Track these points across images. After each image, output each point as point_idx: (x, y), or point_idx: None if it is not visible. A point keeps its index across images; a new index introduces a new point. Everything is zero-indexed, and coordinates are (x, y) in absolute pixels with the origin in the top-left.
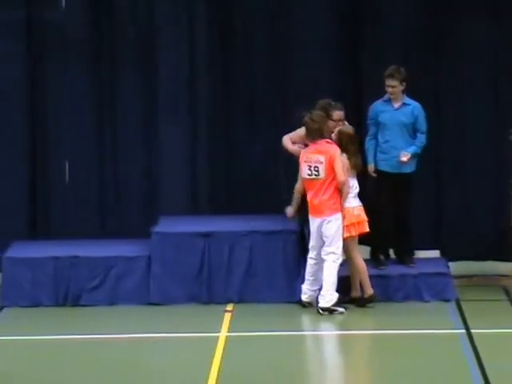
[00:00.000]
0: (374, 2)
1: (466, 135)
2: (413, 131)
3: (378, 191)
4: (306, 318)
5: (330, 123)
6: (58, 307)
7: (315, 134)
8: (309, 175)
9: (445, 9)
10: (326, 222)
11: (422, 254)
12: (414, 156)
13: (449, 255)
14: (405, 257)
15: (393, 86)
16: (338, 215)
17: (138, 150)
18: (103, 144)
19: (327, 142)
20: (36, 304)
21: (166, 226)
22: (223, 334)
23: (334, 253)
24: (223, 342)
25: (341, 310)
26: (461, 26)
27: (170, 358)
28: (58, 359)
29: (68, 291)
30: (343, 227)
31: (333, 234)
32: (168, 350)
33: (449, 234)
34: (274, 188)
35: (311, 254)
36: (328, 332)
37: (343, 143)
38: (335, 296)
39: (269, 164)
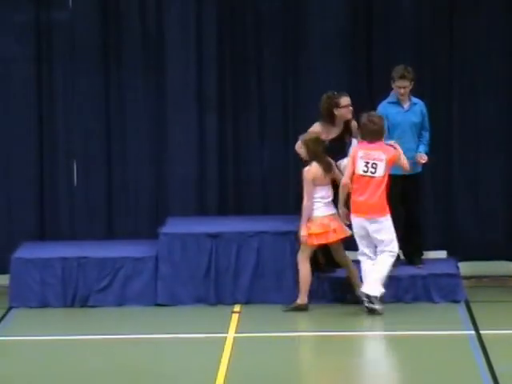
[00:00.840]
0: (386, 2)
1: (477, 135)
2: (420, 130)
3: (390, 195)
4: (313, 319)
5: (341, 110)
6: (66, 308)
7: (374, 136)
8: (365, 172)
9: (457, 7)
10: (377, 222)
11: (431, 254)
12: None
13: (458, 256)
14: (414, 258)
15: (405, 87)
16: (388, 216)
17: (147, 151)
18: (111, 145)
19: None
20: (44, 304)
21: (174, 226)
22: (231, 335)
23: (391, 251)
24: (231, 343)
25: (380, 308)
26: (474, 24)
27: (177, 359)
28: (66, 360)
29: (76, 292)
30: (308, 235)
31: (388, 236)
32: (175, 350)
33: (459, 234)
34: (282, 188)
35: (368, 254)
36: (336, 333)
37: (311, 149)
38: (382, 290)
39: (278, 164)
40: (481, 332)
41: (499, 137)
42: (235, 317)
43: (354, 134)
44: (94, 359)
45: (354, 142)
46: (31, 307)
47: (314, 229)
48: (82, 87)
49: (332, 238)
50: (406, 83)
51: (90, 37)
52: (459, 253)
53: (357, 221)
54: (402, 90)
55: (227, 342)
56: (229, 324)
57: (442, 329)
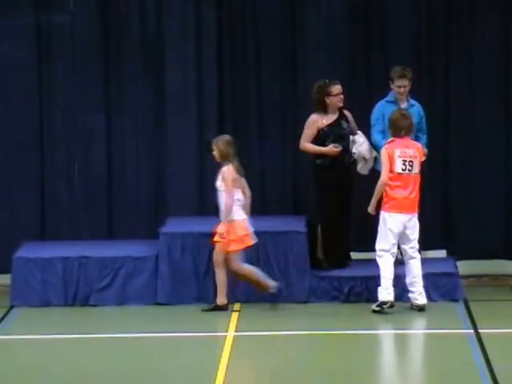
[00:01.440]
0: (384, 2)
1: (475, 134)
2: (417, 131)
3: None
4: (312, 318)
5: (333, 99)
6: (67, 307)
7: (408, 130)
8: (403, 170)
9: (454, 8)
10: (414, 218)
11: (430, 253)
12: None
13: (457, 255)
14: None
15: (404, 86)
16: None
17: (147, 151)
18: (111, 145)
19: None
20: (45, 304)
21: (174, 226)
22: (230, 333)
23: (418, 249)
24: (230, 341)
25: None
26: (471, 25)
27: (177, 358)
28: (67, 359)
29: (77, 291)
30: (233, 240)
31: (418, 233)
32: (175, 349)
33: (457, 233)
34: (281, 189)
35: (393, 251)
36: (335, 331)
37: (223, 151)
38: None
39: (277, 165)
40: (479, 330)
41: (496, 137)
42: (235, 316)
43: (351, 123)
44: (94, 358)
45: (360, 139)
46: (32, 306)
47: (240, 231)
48: (82, 89)
49: (248, 243)
50: (406, 82)
51: (91, 39)
52: (458, 252)
53: (397, 217)
54: (402, 90)
55: (227, 341)
56: (228, 323)
57: (440, 327)
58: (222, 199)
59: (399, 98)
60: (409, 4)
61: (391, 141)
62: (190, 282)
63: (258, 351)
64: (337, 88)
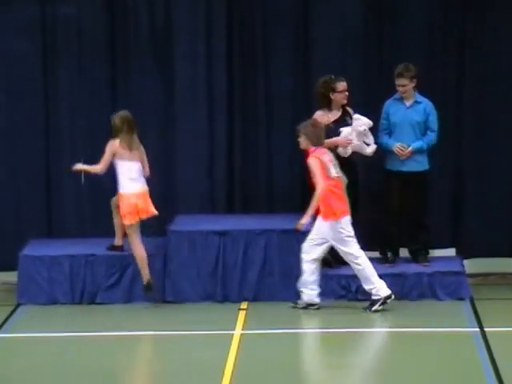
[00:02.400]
0: (397, 1)
1: (486, 133)
2: (425, 130)
3: (389, 190)
4: (319, 317)
5: (337, 95)
6: (74, 305)
7: (323, 138)
8: (337, 174)
9: (468, 5)
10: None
11: (438, 252)
12: (419, 152)
13: (465, 253)
14: (419, 256)
15: (403, 85)
16: None
17: (155, 148)
18: None
19: None
20: (52, 302)
21: (182, 224)
22: (237, 332)
23: None
24: (238, 340)
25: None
26: (484, 23)
27: (184, 356)
28: (74, 357)
29: (84, 289)
30: (124, 215)
31: None
32: (183, 347)
33: (465, 232)
34: (289, 187)
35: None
36: (342, 330)
37: (117, 125)
38: None
39: (286, 162)
40: (485, 329)
41: (507, 136)
42: (242, 314)
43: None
44: (101, 356)
45: (347, 129)
46: (39, 304)
47: (124, 208)
48: (88, 83)
49: (137, 218)
50: (405, 81)
51: (97, 32)
52: (465, 250)
53: (347, 220)
54: (402, 88)
55: (234, 339)
56: (236, 321)
57: (446, 326)
58: (117, 171)
59: (403, 96)
60: (422, 1)
61: (315, 149)
62: (198, 280)
63: (266, 349)
64: (342, 85)
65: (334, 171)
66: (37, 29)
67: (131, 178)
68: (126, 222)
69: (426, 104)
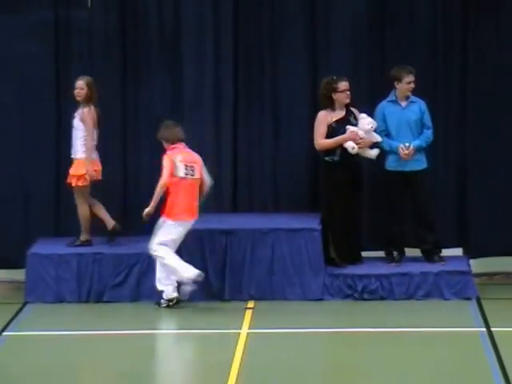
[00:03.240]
0: (399, 2)
1: (491, 132)
2: (421, 128)
3: (390, 190)
4: (325, 316)
5: (339, 95)
6: (81, 303)
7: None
8: (186, 175)
9: (470, 7)
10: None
11: (445, 252)
12: (419, 150)
13: (471, 253)
14: (432, 255)
15: (414, 81)
16: None
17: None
18: (127, 142)
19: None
20: (59, 300)
21: None
22: (244, 331)
23: None
24: (244, 339)
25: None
26: (487, 24)
27: (191, 355)
28: (81, 355)
29: (91, 287)
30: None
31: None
32: (189, 346)
33: (471, 231)
34: (296, 186)
35: None
36: (349, 329)
37: (87, 93)
38: None
39: (292, 162)
40: (492, 329)
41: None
42: (249, 313)
43: (358, 119)
44: (108, 354)
45: (353, 128)
46: (46, 302)
47: (84, 169)
48: (99, 86)
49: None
50: (414, 78)
51: (108, 35)
52: (471, 250)
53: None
54: (412, 85)
55: (240, 338)
56: (242, 320)
57: (453, 325)
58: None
59: (407, 96)
60: (425, 3)
61: (172, 148)
62: (205, 279)
63: (272, 348)
64: (343, 84)
65: (184, 172)
66: (49, 31)
67: (89, 147)
68: (83, 183)
69: (420, 103)
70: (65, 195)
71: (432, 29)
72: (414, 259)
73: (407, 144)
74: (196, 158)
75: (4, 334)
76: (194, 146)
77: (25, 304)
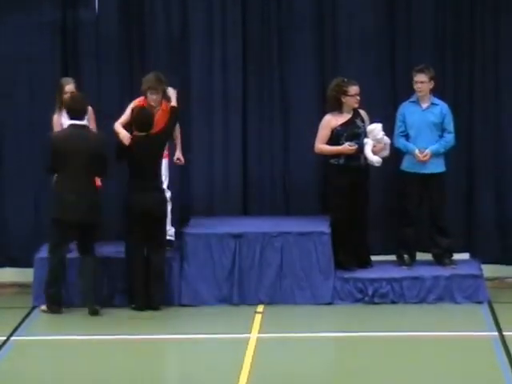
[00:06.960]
0: (408, 3)
1: (500, 135)
2: (442, 131)
3: (406, 192)
4: (336, 320)
5: (349, 99)
6: None
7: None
8: None
9: (479, 8)
10: None
11: (454, 256)
12: (436, 154)
13: (481, 257)
14: (444, 259)
15: (422, 82)
16: None
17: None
18: None
19: None
20: (68, 304)
21: (198, 226)
22: (254, 335)
23: None
24: (254, 343)
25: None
26: (496, 26)
27: (200, 359)
28: (89, 359)
29: (100, 292)
30: None
31: None
32: (198, 351)
33: (481, 235)
34: (305, 189)
35: None
36: (360, 333)
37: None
38: None
39: (301, 165)
40: (504, 333)
41: None
42: (258, 317)
43: (367, 122)
44: (116, 359)
45: (369, 141)
46: None
47: None
48: (106, 87)
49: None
50: (424, 78)
51: (115, 37)
52: (482, 254)
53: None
54: (420, 85)
55: (250, 343)
56: (252, 324)
57: (464, 330)
58: None
59: (419, 96)
60: (434, 4)
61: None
62: (214, 283)
63: (282, 353)
64: (354, 89)
65: None
66: (57, 32)
67: None
68: None
69: (443, 106)
70: None
71: (441, 30)
72: (426, 263)
73: (422, 149)
74: None
75: (12, 338)
76: (202, 148)
77: (32, 308)
